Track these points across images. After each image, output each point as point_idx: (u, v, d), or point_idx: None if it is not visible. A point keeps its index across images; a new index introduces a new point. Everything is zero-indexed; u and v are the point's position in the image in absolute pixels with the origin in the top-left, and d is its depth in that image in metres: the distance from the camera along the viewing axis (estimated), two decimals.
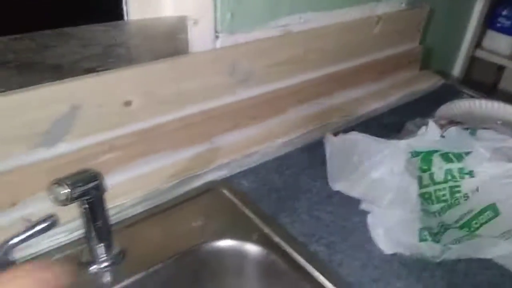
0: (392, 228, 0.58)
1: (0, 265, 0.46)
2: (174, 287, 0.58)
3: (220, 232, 0.60)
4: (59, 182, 0.47)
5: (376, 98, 0.94)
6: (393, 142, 0.61)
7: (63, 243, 0.57)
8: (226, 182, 0.69)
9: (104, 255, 0.53)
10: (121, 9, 0.64)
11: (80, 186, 0.47)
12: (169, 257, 0.55)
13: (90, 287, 0.52)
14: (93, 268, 0.53)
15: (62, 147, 0.59)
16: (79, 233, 0.56)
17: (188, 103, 0.70)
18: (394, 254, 0.58)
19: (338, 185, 0.65)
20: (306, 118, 0.83)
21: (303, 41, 0.81)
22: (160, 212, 0.62)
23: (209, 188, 0.67)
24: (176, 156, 0.69)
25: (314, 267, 0.55)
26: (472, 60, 1.34)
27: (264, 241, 0.58)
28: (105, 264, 0.53)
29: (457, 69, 1.33)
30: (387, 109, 0.93)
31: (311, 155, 0.77)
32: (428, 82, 1.04)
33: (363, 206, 0.63)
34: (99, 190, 0.50)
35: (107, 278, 0.53)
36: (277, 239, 0.58)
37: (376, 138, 0.63)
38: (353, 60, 0.93)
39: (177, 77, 0.66)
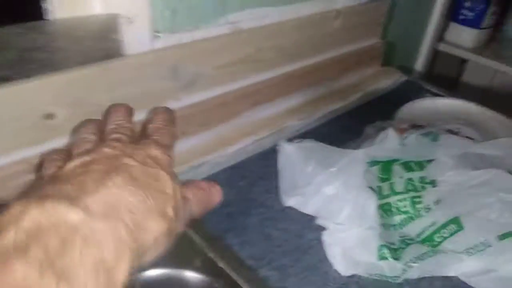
0: (350, 247, 0.53)
1: None
2: None
3: (160, 259, 0.53)
4: None
5: (336, 98, 0.89)
6: (350, 152, 0.56)
7: None
8: None
9: None
10: (41, 8, 0.56)
11: None
12: None
13: None
14: None
15: None
16: None
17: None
18: (352, 276, 0.53)
19: (290, 201, 0.59)
20: (261, 123, 0.77)
21: (255, 38, 0.75)
22: None
23: None
24: None
25: None
26: (435, 54, 1.31)
27: (207, 267, 0.52)
28: None
29: (419, 64, 1.29)
30: (348, 109, 0.88)
31: (267, 163, 0.71)
32: (390, 79, 1.00)
33: (319, 221, 0.58)
34: None
35: None
36: (221, 264, 0.52)
37: (333, 147, 0.58)
38: (311, 57, 0.87)
39: (110, 83, 0.59)
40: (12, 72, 0.53)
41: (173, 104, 0.67)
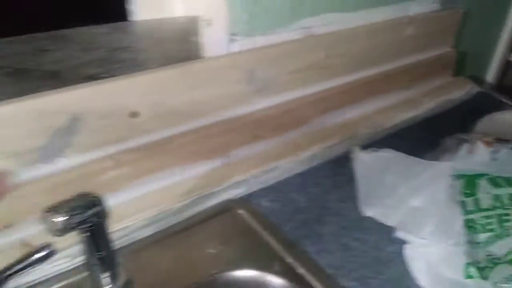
0: (434, 262, 0.50)
1: None
2: None
3: (238, 260, 0.53)
4: (54, 210, 0.40)
5: (406, 108, 0.86)
6: (435, 164, 0.54)
7: (63, 270, 0.50)
8: (244, 201, 0.62)
9: (109, 286, 0.47)
10: (126, 9, 0.58)
11: (78, 213, 0.41)
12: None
13: None
14: None
15: (62, 163, 0.53)
16: (81, 259, 0.50)
17: (201, 114, 0.63)
18: None
19: (370, 211, 0.57)
20: (331, 130, 0.76)
21: (326, 44, 0.74)
22: (170, 236, 0.56)
23: (225, 209, 0.61)
24: (188, 173, 0.62)
25: None
26: (507, 65, 1.25)
27: (287, 272, 0.51)
28: None
29: (491, 75, 1.24)
30: (419, 120, 0.85)
31: (337, 171, 0.69)
32: (462, 90, 0.95)
33: (399, 234, 0.55)
34: (101, 216, 0.44)
35: None
36: (301, 270, 0.51)
37: (414, 157, 0.56)
38: (381, 65, 0.85)
39: (189, 85, 0.60)
40: (101, 71, 0.54)
41: (247, 108, 0.68)
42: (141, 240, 0.55)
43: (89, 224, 0.43)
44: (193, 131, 0.62)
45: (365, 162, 0.60)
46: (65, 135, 0.52)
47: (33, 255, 0.42)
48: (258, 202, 0.62)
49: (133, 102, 0.56)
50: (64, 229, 0.41)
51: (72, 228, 0.42)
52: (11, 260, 0.43)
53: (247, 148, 0.68)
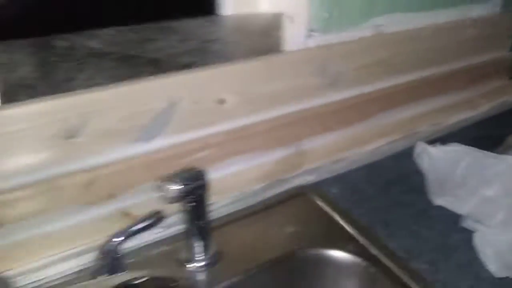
0: (504, 250, 0.53)
1: (109, 260, 0.45)
2: None
3: (315, 239, 0.57)
4: (170, 179, 0.46)
5: (466, 107, 0.88)
6: (506, 158, 0.56)
7: (159, 238, 0.56)
8: (315, 187, 0.66)
9: (202, 254, 0.52)
10: (215, 4, 0.63)
11: (189, 184, 0.46)
12: (264, 262, 0.54)
13: (187, 285, 0.51)
14: (190, 266, 0.52)
15: (159, 143, 0.59)
16: (175, 229, 0.56)
17: (278, 104, 0.67)
18: (505, 278, 0.53)
19: (440, 200, 0.61)
20: (394, 125, 0.79)
21: (394, 42, 0.78)
22: (251, 214, 0.61)
23: (299, 193, 0.65)
24: (265, 158, 0.67)
25: (418, 286, 0.51)
26: None
27: (361, 252, 0.55)
28: (202, 263, 0.52)
29: None
30: (478, 119, 0.87)
31: (401, 165, 0.73)
32: None
33: (466, 224, 0.58)
34: (204, 188, 0.49)
35: (203, 278, 0.52)
36: (374, 251, 0.55)
37: (484, 151, 0.59)
38: (442, 65, 0.88)
39: (270, 76, 0.65)
40: (194, 60, 0.60)
41: (318, 100, 0.72)
42: (225, 216, 0.60)
43: (195, 195, 0.48)
44: (271, 120, 0.67)
45: (433, 155, 0.63)
46: (163, 117, 0.57)
47: (144, 220, 0.47)
48: (328, 189, 0.67)
49: (221, 90, 0.61)
50: (177, 198, 0.46)
51: (183, 197, 0.47)
52: (114, 226, 0.49)
53: (317, 139, 0.72)
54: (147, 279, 0.39)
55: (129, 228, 0.46)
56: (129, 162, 0.57)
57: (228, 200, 0.61)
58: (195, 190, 0.48)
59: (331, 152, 0.71)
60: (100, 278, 0.43)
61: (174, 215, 0.54)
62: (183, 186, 0.46)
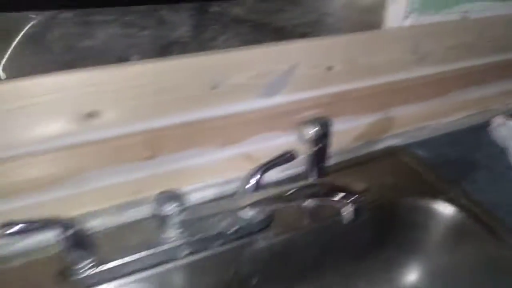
0: None
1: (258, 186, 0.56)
2: (362, 233, 0.66)
3: (409, 190, 0.66)
4: (307, 122, 0.56)
5: None
6: None
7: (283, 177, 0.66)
8: (403, 149, 0.76)
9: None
10: None
11: (322, 128, 0.56)
12: (374, 205, 0.63)
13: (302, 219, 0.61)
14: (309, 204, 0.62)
15: (277, 100, 0.69)
16: (298, 169, 0.66)
17: (373, 74, 0.76)
18: None
19: None
20: (472, 101, 0.87)
21: (477, 27, 0.85)
22: (350, 167, 0.70)
23: (389, 152, 0.74)
24: (360, 121, 0.77)
25: (507, 232, 0.59)
26: None
27: (451, 202, 0.64)
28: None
29: None
30: None
31: (478, 135, 0.81)
32: None
33: None
34: (329, 135, 0.59)
35: (316, 213, 0.62)
36: (464, 201, 0.64)
37: None
38: None
39: (371, 50, 0.74)
40: (310, 30, 0.69)
41: (407, 74, 0.80)
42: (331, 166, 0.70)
43: (322, 139, 0.58)
44: (366, 88, 0.76)
45: None
46: (284, 78, 0.67)
47: (281, 157, 0.58)
48: (414, 152, 0.76)
49: (331, 58, 0.70)
50: (312, 138, 0.56)
51: (317, 139, 0.57)
52: (240, 166, 0.60)
53: (403, 108, 0.81)
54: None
55: (268, 162, 0.57)
56: (253, 114, 0.67)
57: (331, 154, 0.71)
58: (324, 135, 0.57)
59: (415, 120, 0.80)
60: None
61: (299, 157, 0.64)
62: (318, 129, 0.56)
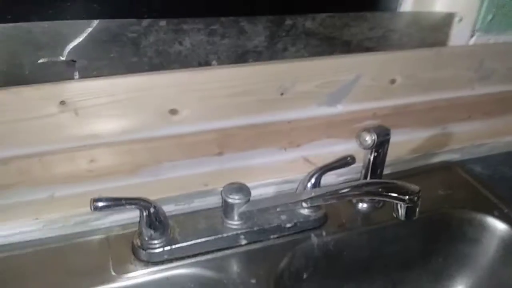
0: None
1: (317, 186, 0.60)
2: (412, 241, 0.68)
3: (463, 203, 0.68)
4: (368, 130, 0.60)
5: None
6: None
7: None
8: (460, 164, 0.77)
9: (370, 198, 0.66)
10: (398, 2, 0.75)
11: (381, 136, 0.60)
12: (426, 215, 0.65)
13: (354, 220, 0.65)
14: (363, 206, 0.66)
15: (339, 108, 0.73)
16: (355, 176, 0.70)
17: (434, 90, 0.79)
18: None
19: None
20: None
21: None
22: (405, 177, 0.73)
23: (445, 166, 0.76)
24: (417, 134, 0.79)
25: None
26: None
27: (505, 219, 0.65)
28: (370, 205, 0.66)
29: None
30: None
31: None
32: None
33: None
34: (387, 143, 0.62)
35: (368, 216, 0.66)
36: None
37: None
38: None
39: (434, 65, 0.76)
40: (375, 45, 0.73)
41: (467, 91, 0.82)
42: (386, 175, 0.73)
43: (380, 147, 0.62)
44: (426, 102, 0.78)
45: None
46: (347, 88, 0.71)
47: (341, 160, 0.62)
48: (471, 167, 0.77)
49: (394, 72, 0.74)
50: (371, 145, 0.60)
51: (375, 146, 0.61)
52: (297, 169, 0.66)
53: (462, 125, 0.83)
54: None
55: (329, 164, 0.61)
56: (316, 120, 0.72)
57: (387, 163, 0.74)
58: (382, 143, 0.61)
59: (474, 137, 0.81)
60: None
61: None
62: (377, 137, 0.59)
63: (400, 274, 0.69)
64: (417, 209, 0.46)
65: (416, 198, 0.44)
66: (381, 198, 0.48)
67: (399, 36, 0.75)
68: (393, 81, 0.74)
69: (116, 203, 0.51)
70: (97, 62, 0.57)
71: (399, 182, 0.47)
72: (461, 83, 0.80)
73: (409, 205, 0.45)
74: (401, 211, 0.46)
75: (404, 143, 0.77)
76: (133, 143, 0.62)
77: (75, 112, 0.57)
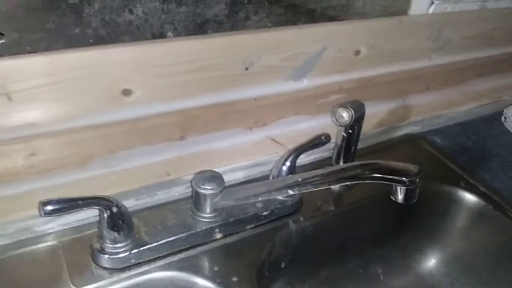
0: None
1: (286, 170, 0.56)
2: (384, 218, 0.67)
3: (430, 176, 0.67)
4: (344, 106, 0.56)
5: None
6: None
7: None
8: (421, 136, 0.77)
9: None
10: None
11: (357, 112, 0.56)
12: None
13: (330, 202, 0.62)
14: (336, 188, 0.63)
15: (305, 83, 0.68)
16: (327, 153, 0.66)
17: (395, 61, 0.76)
18: None
19: None
20: (484, 92, 0.89)
21: (494, 18, 0.86)
22: (372, 153, 0.71)
23: (408, 139, 0.75)
24: (380, 107, 0.77)
25: None
26: None
27: (471, 189, 0.66)
28: (343, 186, 0.63)
29: None
30: None
31: (491, 125, 0.83)
32: None
33: None
34: (362, 119, 0.59)
35: (343, 196, 0.63)
36: (483, 189, 0.66)
37: None
38: None
39: (397, 35, 0.73)
40: (337, 14, 0.69)
41: (425, 62, 0.81)
42: None
43: (357, 123, 0.58)
44: (389, 74, 0.76)
45: None
46: (313, 61, 0.67)
47: (315, 139, 0.57)
48: (432, 139, 0.77)
49: (358, 42, 0.70)
50: (348, 121, 0.56)
51: (352, 122, 0.57)
52: (265, 150, 0.61)
53: (421, 96, 0.82)
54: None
55: (303, 145, 0.57)
56: (281, 97, 0.66)
57: None
58: (358, 118, 0.58)
59: (432, 108, 0.81)
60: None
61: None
62: (354, 113, 0.56)
63: (372, 253, 0.68)
64: (417, 191, 0.43)
65: (417, 179, 0.41)
66: (379, 182, 0.44)
67: (363, 4, 0.71)
68: (357, 53, 0.70)
69: (70, 205, 0.43)
70: (31, 35, 0.47)
71: (398, 163, 0.44)
72: (419, 54, 0.79)
73: (409, 187, 0.42)
74: (400, 194, 0.43)
75: (368, 118, 0.74)
76: (80, 131, 0.53)
77: (8, 97, 0.46)
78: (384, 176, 0.43)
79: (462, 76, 0.87)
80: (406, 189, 0.43)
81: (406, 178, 0.42)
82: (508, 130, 0.80)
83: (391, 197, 0.44)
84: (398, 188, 0.43)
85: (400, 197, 0.43)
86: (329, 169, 0.47)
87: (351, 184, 0.64)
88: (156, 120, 0.57)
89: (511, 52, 0.92)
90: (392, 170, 0.43)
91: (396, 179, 0.43)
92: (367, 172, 0.45)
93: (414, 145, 0.74)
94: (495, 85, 0.91)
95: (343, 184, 0.60)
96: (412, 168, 0.43)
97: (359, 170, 0.45)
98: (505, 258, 0.64)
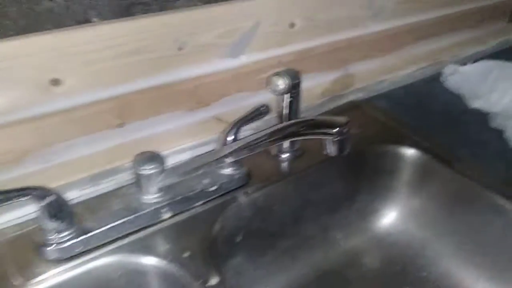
0: None
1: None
2: (335, 183, 0.68)
3: (376, 138, 0.69)
4: (279, 74, 0.56)
5: (476, 43, 1.01)
6: None
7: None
8: (366, 102, 0.78)
9: (289, 147, 0.63)
10: None
11: (293, 80, 0.57)
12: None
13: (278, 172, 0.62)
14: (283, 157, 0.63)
15: (243, 59, 0.68)
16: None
17: (332, 31, 0.78)
18: None
19: (475, 103, 0.73)
20: (423, 55, 0.92)
21: None
22: None
23: (353, 106, 0.77)
24: (322, 78, 0.78)
25: (463, 167, 0.64)
26: None
27: (416, 145, 0.67)
28: (290, 155, 0.63)
29: None
30: (487, 54, 1.00)
31: (432, 86, 0.85)
32: None
33: (497, 123, 0.71)
34: (299, 86, 0.59)
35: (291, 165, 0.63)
36: (426, 144, 0.68)
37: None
38: (460, 5, 0.99)
39: (330, 6, 0.75)
40: None
41: (362, 30, 0.83)
42: None
43: (294, 91, 0.59)
44: (327, 44, 0.77)
45: (465, 71, 0.76)
46: (248, 36, 0.67)
47: (255, 111, 0.58)
48: (376, 103, 0.78)
49: (292, 15, 0.71)
50: (284, 90, 0.57)
51: (288, 91, 0.57)
52: (210, 130, 0.61)
53: (361, 64, 0.84)
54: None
55: (244, 117, 0.57)
56: (220, 75, 0.66)
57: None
58: (295, 86, 0.58)
59: (374, 75, 0.83)
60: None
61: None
62: (290, 80, 0.56)
63: (329, 218, 0.68)
64: (349, 141, 0.44)
65: (345, 130, 0.42)
66: (308, 137, 0.44)
67: None
68: (292, 25, 0.71)
69: (1, 198, 0.41)
70: None
71: (324, 117, 0.44)
72: (355, 22, 0.80)
73: (339, 138, 0.42)
74: (332, 146, 0.43)
75: (312, 88, 0.76)
76: (10, 126, 0.51)
77: None
78: (314, 131, 0.44)
79: (400, 41, 0.89)
80: (338, 141, 0.43)
81: (334, 129, 0.43)
82: (447, 89, 0.82)
83: (324, 152, 0.45)
84: (329, 142, 0.44)
85: (332, 149, 0.44)
86: (262, 132, 0.47)
87: (298, 153, 0.65)
88: (92, 108, 0.56)
89: (446, 15, 0.95)
90: (320, 124, 0.44)
91: (325, 132, 0.43)
92: (300, 130, 0.45)
93: (360, 110, 0.76)
94: (433, 47, 0.94)
95: (278, 144, 0.60)
96: (340, 119, 0.43)
97: (288, 130, 0.46)
98: (455, 208, 0.65)
